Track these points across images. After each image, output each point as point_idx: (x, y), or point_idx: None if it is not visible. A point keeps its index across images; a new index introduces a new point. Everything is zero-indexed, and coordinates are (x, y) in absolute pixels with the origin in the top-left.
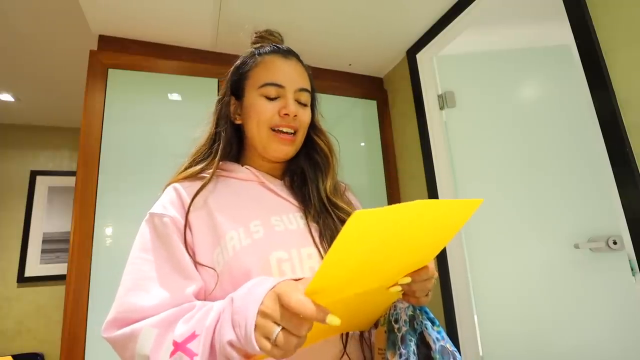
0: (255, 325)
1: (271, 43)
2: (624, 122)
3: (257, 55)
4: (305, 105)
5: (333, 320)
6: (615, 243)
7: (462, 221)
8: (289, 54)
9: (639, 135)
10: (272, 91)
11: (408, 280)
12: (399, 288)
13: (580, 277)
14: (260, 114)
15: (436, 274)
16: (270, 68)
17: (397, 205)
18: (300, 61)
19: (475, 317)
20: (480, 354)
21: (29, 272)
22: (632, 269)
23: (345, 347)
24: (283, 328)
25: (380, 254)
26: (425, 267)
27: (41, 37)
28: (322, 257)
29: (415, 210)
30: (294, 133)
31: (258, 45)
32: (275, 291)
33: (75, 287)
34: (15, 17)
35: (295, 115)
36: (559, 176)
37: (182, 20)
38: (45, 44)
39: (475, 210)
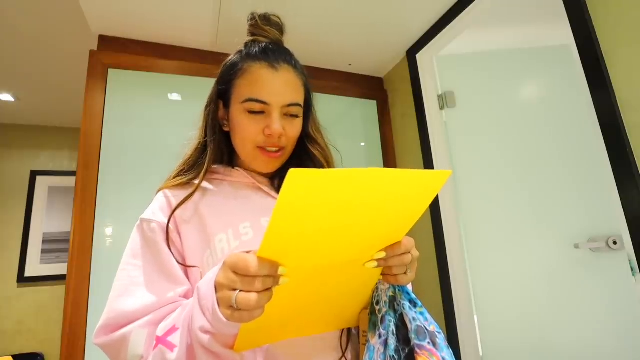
0: (218, 300)
1: (267, 37)
2: (624, 122)
3: (243, 61)
4: (295, 117)
5: (282, 270)
6: (615, 243)
7: (431, 194)
8: (278, 61)
9: (639, 135)
10: (255, 107)
11: (382, 254)
12: (375, 263)
13: (580, 277)
14: (244, 133)
15: (416, 252)
16: (254, 81)
17: (345, 169)
18: (294, 66)
19: (475, 317)
20: (480, 354)
21: (29, 272)
22: (632, 269)
23: (344, 352)
24: (241, 291)
25: (338, 220)
26: (398, 242)
27: (41, 37)
28: None
29: (367, 176)
30: (280, 149)
31: (251, 39)
32: (224, 262)
33: (75, 287)
34: (15, 17)
35: (281, 135)
36: (559, 176)
37: (182, 20)
38: (45, 44)
39: (444, 183)
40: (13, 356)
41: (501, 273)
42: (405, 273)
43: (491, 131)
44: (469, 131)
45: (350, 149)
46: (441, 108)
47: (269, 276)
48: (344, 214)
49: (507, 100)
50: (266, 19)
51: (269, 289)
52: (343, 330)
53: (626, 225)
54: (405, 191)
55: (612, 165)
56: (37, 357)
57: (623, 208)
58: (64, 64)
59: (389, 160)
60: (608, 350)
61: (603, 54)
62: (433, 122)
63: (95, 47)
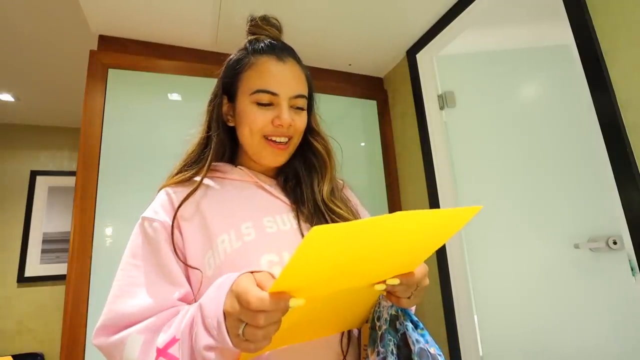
0: (227, 329)
1: (268, 36)
2: (624, 122)
3: (250, 55)
4: (301, 109)
5: (296, 302)
6: (615, 243)
7: (455, 228)
8: (284, 53)
9: (639, 135)
10: (264, 98)
11: (397, 282)
12: (384, 286)
13: (580, 277)
14: (253, 123)
15: (426, 281)
16: (263, 72)
17: (369, 219)
18: (298, 61)
19: (475, 317)
20: (480, 354)
21: (29, 272)
22: (632, 269)
23: (345, 354)
24: (247, 324)
25: (357, 260)
26: (411, 273)
27: (41, 37)
28: None
29: (392, 222)
30: (288, 141)
31: (253, 37)
32: (231, 289)
33: (75, 287)
34: (15, 17)
35: (290, 125)
36: (559, 176)
37: (182, 20)
38: (45, 44)
39: (470, 219)
40: (13, 356)
41: (501, 273)
42: (409, 297)
43: (491, 131)
44: (469, 131)
45: (350, 149)
46: (441, 108)
47: (274, 311)
48: (364, 255)
49: (507, 100)
50: (265, 19)
51: (276, 322)
52: (343, 333)
53: (626, 225)
54: (431, 229)
55: (612, 165)
56: (37, 357)
57: (623, 208)
58: (64, 64)
59: (389, 160)
60: (608, 350)
61: (603, 54)
62: (433, 122)
63: (95, 47)
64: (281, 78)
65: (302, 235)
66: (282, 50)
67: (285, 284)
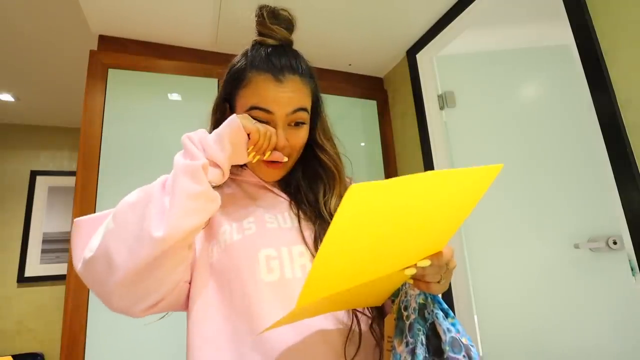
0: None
1: (274, 39)
2: (624, 122)
3: (248, 70)
4: (301, 123)
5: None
6: (615, 243)
7: (481, 191)
8: (283, 72)
9: (639, 135)
10: (260, 115)
11: (427, 263)
12: (414, 271)
13: (580, 277)
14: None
15: (454, 263)
16: (260, 90)
17: (405, 177)
18: (300, 74)
19: (475, 317)
20: (480, 354)
21: (29, 272)
22: (632, 269)
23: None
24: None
25: (389, 235)
26: (440, 252)
27: (41, 37)
28: (313, 256)
29: (426, 182)
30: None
31: (258, 40)
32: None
33: (75, 287)
34: (15, 17)
35: (285, 146)
36: (559, 176)
37: (182, 20)
38: (45, 44)
39: (494, 178)
40: (13, 356)
41: (501, 273)
42: (438, 282)
43: (491, 131)
44: (469, 131)
45: (350, 149)
46: (441, 108)
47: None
48: (395, 226)
49: (507, 100)
50: (274, 15)
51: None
52: (348, 336)
53: (626, 225)
54: (457, 192)
55: (612, 165)
56: (37, 357)
57: (623, 208)
58: (64, 64)
59: (389, 160)
60: (608, 350)
61: (603, 54)
62: (433, 122)
63: (95, 47)
64: (277, 98)
65: (302, 234)
66: (281, 66)
67: (330, 250)
